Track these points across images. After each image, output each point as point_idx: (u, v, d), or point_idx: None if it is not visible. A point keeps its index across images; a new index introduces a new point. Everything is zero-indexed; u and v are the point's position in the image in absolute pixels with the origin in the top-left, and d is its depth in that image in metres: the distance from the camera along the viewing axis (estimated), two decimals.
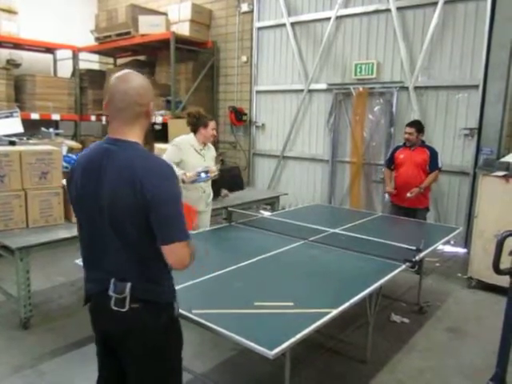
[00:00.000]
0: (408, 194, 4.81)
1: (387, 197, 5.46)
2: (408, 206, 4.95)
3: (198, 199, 4.06)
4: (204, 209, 4.20)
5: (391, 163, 5.19)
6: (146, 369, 1.78)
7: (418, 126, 4.97)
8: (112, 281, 1.69)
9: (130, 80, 1.68)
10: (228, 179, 4.34)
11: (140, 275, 1.71)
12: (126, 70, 1.74)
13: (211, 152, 4.26)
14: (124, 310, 1.68)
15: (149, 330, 1.73)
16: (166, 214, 1.61)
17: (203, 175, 3.92)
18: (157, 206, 1.59)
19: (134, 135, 1.69)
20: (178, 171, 3.86)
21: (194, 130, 4.08)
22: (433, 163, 4.92)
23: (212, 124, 4.09)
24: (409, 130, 4.94)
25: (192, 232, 3.90)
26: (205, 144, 4.14)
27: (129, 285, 1.68)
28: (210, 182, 4.20)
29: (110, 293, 1.69)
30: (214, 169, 4.10)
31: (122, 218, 1.64)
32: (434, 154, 4.95)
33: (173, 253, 1.65)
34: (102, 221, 1.68)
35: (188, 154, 3.98)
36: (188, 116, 4.13)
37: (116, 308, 1.68)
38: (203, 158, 4.07)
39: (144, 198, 1.58)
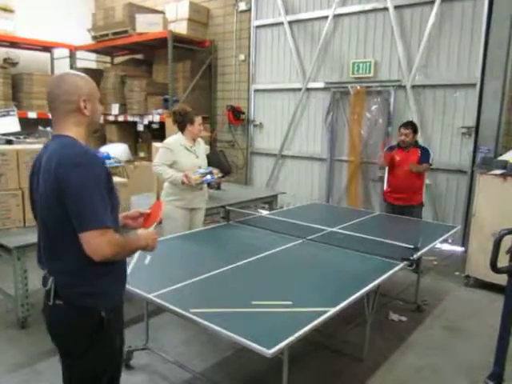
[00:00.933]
0: (411, 166, 4.87)
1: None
2: (403, 203, 5.00)
3: (195, 197, 4.03)
4: (202, 206, 4.17)
5: (392, 150, 5.09)
6: (70, 368, 1.84)
7: (413, 126, 4.98)
8: (44, 273, 1.77)
9: (59, 81, 1.76)
10: (213, 165, 4.23)
11: (63, 271, 1.72)
12: (60, 73, 1.84)
13: (202, 147, 4.21)
14: (50, 303, 1.74)
15: (69, 331, 1.76)
16: (77, 202, 1.61)
17: (209, 177, 3.92)
18: (69, 193, 1.61)
19: (69, 130, 1.75)
20: (174, 173, 3.84)
21: (182, 128, 4.03)
22: (423, 158, 4.94)
23: (198, 119, 4.04)
24: (405, 131, 4.93)
25: (190, 231, 3.91)
26: (194, 140, 4.09)
27: (51, 279, 1.73)
28: None
29: (42, 285, 1.76)
30: (216, 170, 4.08)
31: (45, 208, 1.69)
32: (425, 153, 4.98)
33: (87, 242, 1.61)
34: (40, 212, 1.74)
35: (180, 154, 3.94)
36: (173, 114, 4.08)
37: (46, 300, 1.76)
38: (195, 155, 4.04)
39: (58, 187, 1.62)
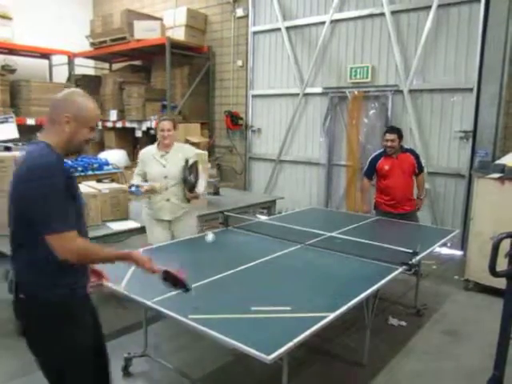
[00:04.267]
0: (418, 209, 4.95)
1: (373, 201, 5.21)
2: (399, 212, 4.84)
3: (161, 208, 3.87)
4: (169, 218, 3.90)
5: (372, 174, 4.95)
6: (39, 358, 1.92)
7: (398, 132, 4.77)
8: (9, 271, 1.92)
9: (63, 94, 1.93)
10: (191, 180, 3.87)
11: (20, 264, 1.84)
12: (70, 89, 2.05)
13: (179, 155, 3.89)
14: (14, 297, 1.85)
15: (31, 324, 1.85)
16: (38, 208, 1.73)
17: (134, 189, 3.79)
18: (30, 200, 1.74)
19: (47, 137, 1.88)
20: (139, 182, 3.85)
21: (156, 137, 3.99)
22: (420, 165, 4.93)
23: (161, 125, 3.84)
24: (390, 136, 4.71)
25: (189, 237, 3.89)
26: (167, 147, 3.88)
27: (12, 272, 1.85)
28: (178, 191, 3.87)
29: (5, 281, 1.91)
30: (155, 185, 3.77)
31: (14, 205, 1.81)
32: (418, 157, 4.93)
33: (52, 244, 1.74)
34: (10, 208, 1.85)
35: (149, 165, 3.88)
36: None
37: (10, 294, 1.87)
38: (163, 165, 3.85)
39: (21, 195, 1.76)
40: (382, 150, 4.90)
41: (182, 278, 2.12)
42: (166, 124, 3.83)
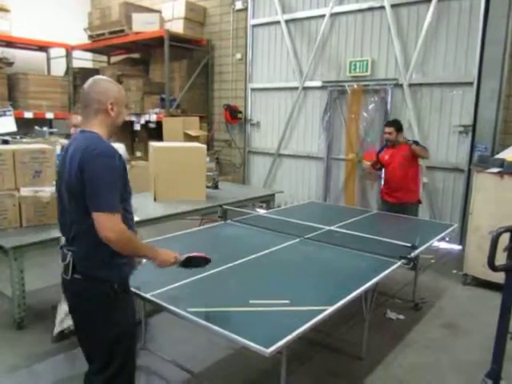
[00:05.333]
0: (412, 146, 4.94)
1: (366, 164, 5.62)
2: (399, 201, 5.00)
3: None
4: None
5: (377, 163, 5.26)
6: (91, 335, 2.06)
7: (396, 124, 5.04)
8: (63, 249, 2.01)
9: (93, 84, 2.04)
10: None
11: (79, 247, 1.96)
12: (96, 77, 2.13)
13: None
14: (68, 277, 1.98)
15: (87, 300, 1.99)
16: (93, 187, 1.86)
17: None
18: (87, 179, 1.86)
19: (95, 127, 2.01)
20: None
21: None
22: (414, 142, 5.00)
23: (72, 118, 3.56)
24: (388, 129, 5.02)
25: (187, 230, 3.89)
26: None
27: (70, 254, 1.96)
28: None
29: (60, 262, 2.01)
30: None
31: (69, 192, 1.94)
32: (412, 141, 5.03)
33: (96, 222, 1.86)
34: (65, 195, 1.98)
35: None
36: None
37: (64, 275, 2.01)
38: None
39: (81, 174, 1.87)
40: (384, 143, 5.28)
41: (203, 255, 2.33)
42: (74, 117, 3.44)
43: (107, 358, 2.04)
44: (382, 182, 5.43)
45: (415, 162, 5.03)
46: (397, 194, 5.03)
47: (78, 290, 2.01)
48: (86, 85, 2.05)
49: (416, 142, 5.05)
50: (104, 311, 1.99)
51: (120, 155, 1.98)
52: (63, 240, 2.08)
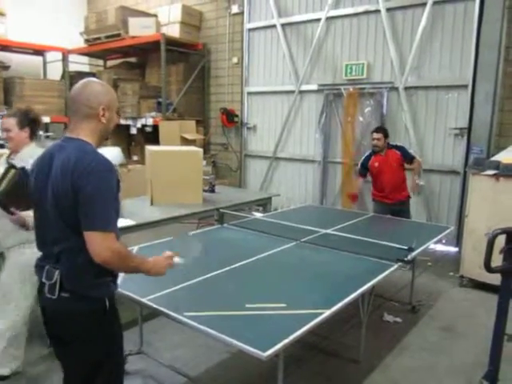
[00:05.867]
0: (412, 193, 5.32)
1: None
2: (397, 201, 5.21)
3: None
4: None
5: (366, 171, 5.35)
6: (73, 356, 1.92)
7: (384, 131, 5.22)
8: (46, 268, 1.84)
9: (84, 87, 1.88)
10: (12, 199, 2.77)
11: (68, 264, 1.81)
12: (86, 79, 1.95)
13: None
14: (54, 297, 1.82)
15: (76, 319, 1.85)
16: (89, 204, 1.72)
17: None
18: (83, 196, 1.72)
19: (84, 134, 1.86)
20: None
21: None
22: (407, 156, 5.23)
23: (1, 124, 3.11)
24: (377, 135, 5.15)
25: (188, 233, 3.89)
26: (14, 153, 3.07)
27: (57, 272, 1.81)
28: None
29: (43, 280, 1.85)
30: None
31: (59, 206, 1.77)
32: (403, 150, 5.26)
33: (90, 241, 1.72)
34: (50, 210, 1.81)
35: None
36: None
37: (48, 294, 1.83)
38: None
39: (73, 189, 1.72)
40: (370, 151, 5.34)
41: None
42: (6, 122, 3.01)
43: (87, 379, 1.93)
44: (372, 188, 5.47)
45: (403, 166, 5.25)
46: (393, 195, 5.20)
47: (65, 310, 1.86)
48: (75, 88, 1.89)
49: (407, 154, 5.24)
50: (93, 331, 1.87)
51: (114, 167, 1.87)
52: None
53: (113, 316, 1.97)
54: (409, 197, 5.34)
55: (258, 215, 5.28)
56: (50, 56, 9.32)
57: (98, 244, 1.72)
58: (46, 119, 8.17)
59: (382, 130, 5.26)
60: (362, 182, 5.61)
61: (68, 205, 1.75)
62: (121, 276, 2.22)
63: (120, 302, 2.05)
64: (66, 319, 1.87)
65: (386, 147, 5.18)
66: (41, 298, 1.93)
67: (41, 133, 7.18)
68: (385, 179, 5.16)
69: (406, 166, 5.24)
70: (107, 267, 1.79)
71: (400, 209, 5.17)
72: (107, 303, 1.89)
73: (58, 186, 1.76)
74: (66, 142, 1.87)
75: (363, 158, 5.44)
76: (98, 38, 8.54)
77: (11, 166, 2.76)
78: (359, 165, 5.47)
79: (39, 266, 1.90)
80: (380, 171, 5.18)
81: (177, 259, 2.11)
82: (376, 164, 5.18)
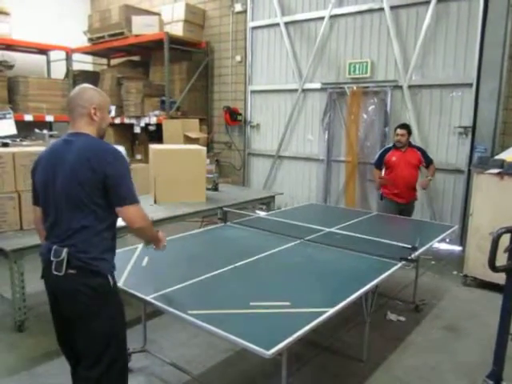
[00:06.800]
0: (423, 188, 5.33)
1: (379, 192, 5.49)
2: (404, 201, 5.21)
3: None
4: None
5: (381, 164, 5.31)
6: (84, 331, 2.10)
7: (408, 128, 5.26)
8: (53, 247, 2.06)
9: (79, 91, 2.19)
10: None
11: (76, 242, 2.04)
12: (82, 85, 2.27)
13: None
14: (61, 273, 2.03)
15: (83, 294, 2.05)
16: (119, 186, 2.06)
17: None
18: (112, 179, 2.04)
19: (84, 129, 2.15)
20: None
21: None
22: (427, 159, 5.28)
23: None
24: (401, 131, 5.16)
25: (187, 233, 3.89)
26: None
27: (65, 250, 2.03)
28: None
29: (52, 258, 2.05)
30: None
31: (74, 191, 2.03)
32: (424, 152, 5.31)
33: (126, 213, 2.08)
34: (60, 196, 2.06)
35: None
36: None
37: (55, 271, 2.04)
38: None
39: (101, 173, 2.01)
40: (391, 144, 5.33)
41: None
42: None
43: (100, 352, 2.11)
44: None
45: (419, 167, 5.27)
46: (405, 194, 5.19)
47: (72, 285, 2.05)
48: (73, 92, 2.21)
49: (427, 157, 5.28)
50: (99, 305, 2.08)
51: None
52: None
53: (116, 292, 2.19)
54: (416, 199, 5.37)
55: (262, 214, 5.29)
56: (53, 55, 9.33)
57: (134, 215, 2.09)
58: (49, 118, 8.20)
59: (406, 126, 5.28)
60: (379, 173, 5.38)
61: (94, 186, 2.02)
62: (125, 273, 2.30)
63: (124, 300, 2.06)
64: (73, 295, 2.06)
65: (407, 145, 5.21)
66: (47, 280, 2.14)
67: (45, 131, 7.22)
68: (399, 175, 5.13)
69: (423, 168, 5.28)
70: (139, 233, 2.21)
71: (406, 208, 5.22)
72: (110, 279, 2.12)
73: (75, 174, 2.02)
74: (71, 136, 2.14)
75: (382, 150, 5.46)
76: (102, 37, 8.54)
77: None
78: (376, 157, 5.45)
79: (45, 251, 2.10)
80: (396, 166, 5.15)
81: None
82: (394, 158, 5.17)
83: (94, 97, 2.18)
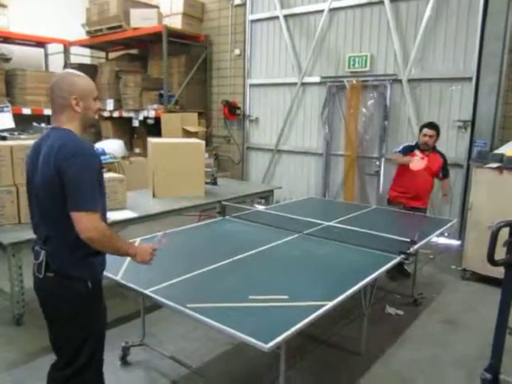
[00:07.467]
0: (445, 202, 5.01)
1: (386, 197, 4.97)
2: (411, 205, 4.69)
3: None
4: None
5: (407, 153, 4.70)
6: (60, 332, 2.07)
7: (437, 128, 4.70)
8: (35, 248, 2.00)
9: (59, 79, 2.00)
10: None
11: (54, 246, 1.95)
12: (63, 71, 2.14)
13: None
14: (41, 276, 1.97)
15: (59, 298, 1.99)
16: (73, 186, 1.85)
17: None
18: (67, 179, 1.84)
19: (65, 123, 1.98)
20: None
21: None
22: (445, 171, 4.82)
23: None
24: (430, 131, 4.61)
25: (186, 226, 3.89)
26: None
27: (43, 252, 1.95)
28: None
29: (33, 260, 2.00)
30: None
31: (43, 191, 1.92)
32: (446, 161, 4.82)
33: (77, 220, 1.85)
34: (40, 195, 1.95)
35: None
36: None
37: (36, 273, 1.99)
38: None
39: (57, 173, 1.85)
40: (414, 142, 4.83)
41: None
42: None
43: (73, 354, 2.05)
44: (392, 183, 4.95)
45: (436, 176, 4.83)
46: (415, 200, 4.72)
47: (50, 289, 2.00)
48: (53, 80, 2.01)
49: (446, 167, 4.83)
50: (75, 310, 2.00)
51: (98, 153, 2.02)
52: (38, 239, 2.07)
53: (95, 298, 2.07)
54: (426, 208, 4.89)
55: (261, 208, 5.28)
56: (51, 48, 9.27)
57: (84, 223, 1.84)
58: (47, 111, 8.15)
59: (435, 127, 4.67)
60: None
61: (54, 189, 1.87)
62: (123, 267, 2.23)
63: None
64: (50, 297, 2.03)
65: (432, 148, 4.69)
66: (33, 279, 2.07)
67: (43, 125, 7.19)
68: (415, 180, 4.60)
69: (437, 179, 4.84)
70: (93, 245, 1.90)
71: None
72: (90, 284, 2.00)
73: (44, 172, 1.89)
74: (51, 131, 2.01)
75: (406, 144, 4.91)
76: (100, 30, 8.49)
77: None
78: (400, 147, 4.82)
79: (32, 249, 2.06)
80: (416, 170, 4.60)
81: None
82: (417, 158, 4.64)
83: (75, 84, 1.97)
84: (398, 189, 4.83)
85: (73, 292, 1.98)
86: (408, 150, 4.71)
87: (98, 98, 2.11)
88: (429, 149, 4.67)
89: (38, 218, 2.02)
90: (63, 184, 1.85)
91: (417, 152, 4.66)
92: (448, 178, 4.92)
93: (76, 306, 2.00)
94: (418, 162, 4.59)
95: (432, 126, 4.70)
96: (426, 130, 4.63)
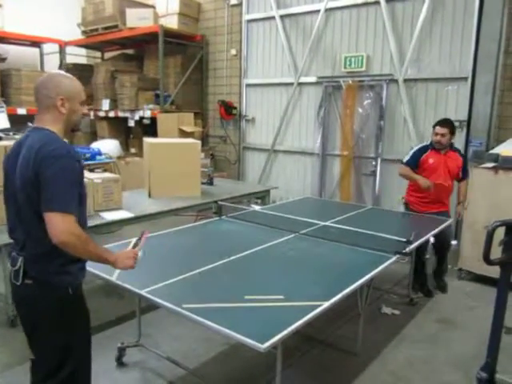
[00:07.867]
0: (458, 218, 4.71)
1: (403, 201, 4.60)
2: (431, 211, 4.41)
3: None
4: None
5: (415, 165, 4.39)
6: (42, 342, 1.96)
7: (451, 125, 4.32)
8: (12, 254, 1.94)
9: (45, 79, 1.96)
10: None
11: (32, 251, 1.88)
12: (51, 72, 2.08)
13: None
14: (18, 283, 1.90)
15: (38, 306, 1.91)
16: (48, 188, 1.77)
17: None
18: (43, 181, 1.77)
19: (48, 124, 1.92)
20: None
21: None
22: (465, 170, 4.55)
23: None
24: (441, 130, 4.25)
25: (182, 226, 3.88)
26: None
27: (21, 259, 1.89)
28: None
29: (9, 266, 1.94)
30: None
31: (21, 193, 1.85)
32: (465, 161, 4.59)
33: (49, 222, 1.76)
34: (19, 197, 1.88)
35: None
36: None
37: (13, 281, 1.92)
38: None
39: (35, 175, 1.78)
40: (427, 142, 4.54)
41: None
42: None
43: (53, 366, 1.96)
44: (409, 190, 4.60)
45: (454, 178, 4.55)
46: (435, 204, 4.43)
47: (29, 296, 1.92)
48: (39, 79, 1.96)
49: (466, 167, 4.54)
50: (56, 318, 1.92)
51: (79, 155, 1.95)
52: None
53: (77, 305, 2.01)
54: (448, 212, 4.54)
55: (257, 208, 5.27)
56: (46, 48, 9.23)
57: (56, 225, 1.75)
58: None
59: (448, 124, 4.31)
60: (409, 169, 4.41)
61: (32, 191, 1.80)
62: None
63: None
64: (29, 306, 1.93)
65: (448, 146, 4.35)
66: (11, 287, 1.99)
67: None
68: (436, 182, 4.30)
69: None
70: (66, 250, 1.80)
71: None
72: (70, 292, 1.93)
73: (23, 173, 1.83)
74: (32, 131, 1.94)
75: (417, 147, 4.54)
76: (96, 30, 8.46)
77: None
78: (409, 155, 4.46)
79: (10, 253, 2.00)
80: (433, 171, 4.30)
81: (140, 254, 2.11)
82: (431, 161, 4.31)
83: (62, 85, 1.92)
84: (414, 194, 4.54)
85: (53, 298, 1.91)
86: (418, 156, 4.38)
87: (86, 103, 2.05)
88: (444, 147, 4.33)
89: (14, 222, 1.94)
90: (39, 184, 1.78)
91: (429, 157, 4.34)
92: (466, 180, 4.57)
93: (57, 311, 1.92)
94: (425, 184, 4.27)
95: (444, 123, 4.34)
96: (437, 129, 4.30)
